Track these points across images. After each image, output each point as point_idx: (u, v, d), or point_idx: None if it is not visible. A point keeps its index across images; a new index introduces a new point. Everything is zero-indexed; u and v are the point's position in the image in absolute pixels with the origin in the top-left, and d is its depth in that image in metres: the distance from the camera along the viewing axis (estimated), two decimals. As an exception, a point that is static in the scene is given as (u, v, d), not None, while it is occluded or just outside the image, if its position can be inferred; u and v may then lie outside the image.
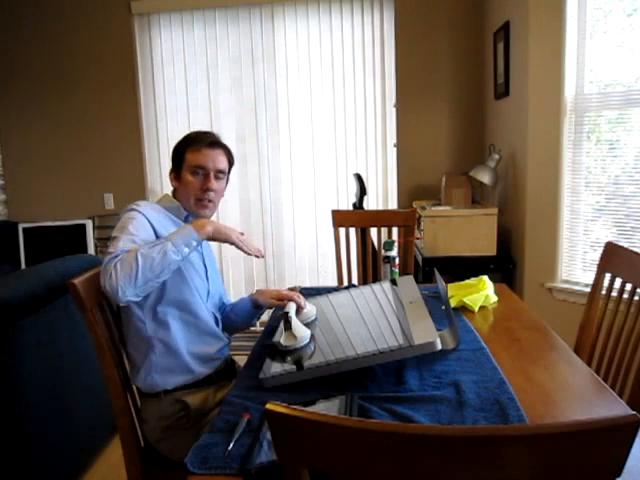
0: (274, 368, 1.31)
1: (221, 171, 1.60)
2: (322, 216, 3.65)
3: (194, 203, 1.58)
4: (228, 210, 3.69)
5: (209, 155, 1.58)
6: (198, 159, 1.57)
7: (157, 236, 1.47)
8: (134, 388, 1.56)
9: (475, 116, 3.46)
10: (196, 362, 1.53)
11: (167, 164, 3.71)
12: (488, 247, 2.74)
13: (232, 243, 1.48)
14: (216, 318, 1.65)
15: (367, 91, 3.54)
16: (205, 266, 1.64)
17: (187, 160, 1.58)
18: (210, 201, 1.58)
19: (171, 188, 1.68)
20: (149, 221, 1.48)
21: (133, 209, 1.49)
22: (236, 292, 3.82)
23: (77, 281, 1.40)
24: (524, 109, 2.62)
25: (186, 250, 1.39)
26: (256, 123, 3.64)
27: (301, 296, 1.61)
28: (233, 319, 1.74)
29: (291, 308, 1.49)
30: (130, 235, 1.40)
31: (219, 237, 1.47)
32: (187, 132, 1.67)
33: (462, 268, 2.69)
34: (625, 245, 1.71)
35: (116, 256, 1.33)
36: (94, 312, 1.46)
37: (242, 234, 1.53)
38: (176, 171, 1.62)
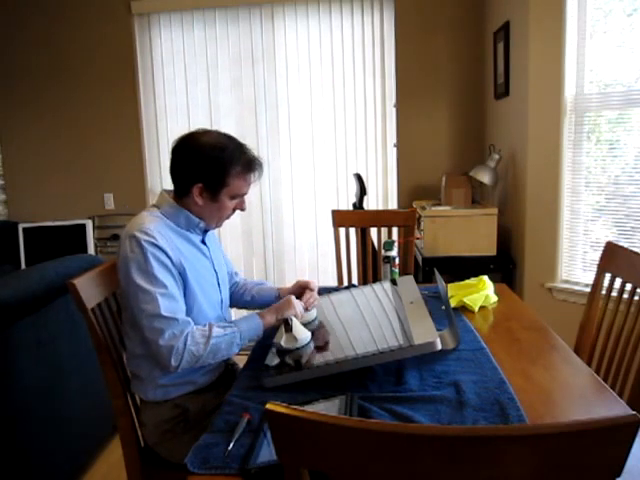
0: (274, 368, 1.31)
1: None
2: (322, 216, 3.64)
3: (221, 221, 1.52)
4: (228, 210, 3.69)
5: (252, 180, 1.49)
6: (244, 189, 1.47)
7: (173, 264, 1.38)
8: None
9: (475, 116, 3.46)
10: (200, 374, 1.50)
11: (167, 164, 3.71)
12: (488, 247, 2.74)
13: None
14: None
15: (367, 91, 3.54)
16: (215, 271, 1.58)
17: (231, 186, 1.43)
18: None
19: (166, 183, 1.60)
20: (167, 254, 1.37)
21: (153, 243, 1.34)
22: (236, 292, 3.82)
23: (77, 281, 1.40)
24: (524, 109, 2.61)
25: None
26: (256, 123, 3.64)
27: (314, 292, 1.64)
28: (250, 301, 1.77)
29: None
30: (164, 289, 1.33)
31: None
32: (219, 136, 1.47)
33: (462, 268, 2.69)
34: (625, 245, 1.71)
35: (179, 333, 1.32)
36: (94, 312, 1.46)
37: (307, 291, 1.58)
38: (210, 189, 1.42)
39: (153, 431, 1.49)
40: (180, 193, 1.47)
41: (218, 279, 1.59)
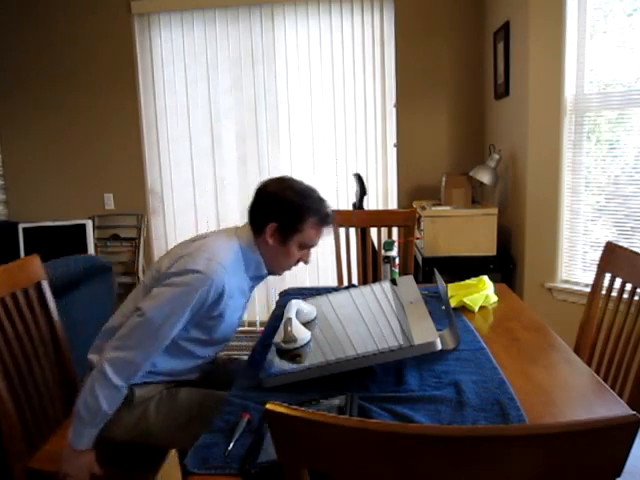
0: (274, 368, 1.31)
1: None
2: (322, 216, 3.64)
3: (285, 269, 1.53)
4: (228, 210, 3.69)
5: (322, 234, 1.51)
6: (315, 241, 1.50)
7: (216, 307, 1.39)
8: None
9: (475, 116, 3.46)
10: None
11: (167, 164, 3.71)
12: (488, 247, 2.74)
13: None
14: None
15: (367, 91, 3.54)
16: (240, 316, 1.59)
17: (304, 234, 1.46)
18: None
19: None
20: (219, 296, 1.38)
21: (211, 284, 1.34)
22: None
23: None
24: (524, 109, 2.62)
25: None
26: (256, 123, 3.64)
27: None
28: None
29: (291, 309, 1.49)
30: (178, 321, 1.34)
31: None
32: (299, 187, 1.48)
33: (462, 268, 2.69)
34: (625, 245, 1.71)
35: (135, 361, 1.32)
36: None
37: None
38: (283, 232, 1.45)
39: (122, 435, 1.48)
40: (256, 229, 1.49)
41: (239, 322, 1.61)
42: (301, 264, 1.56)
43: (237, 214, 3.70)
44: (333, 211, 1.52)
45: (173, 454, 1.71)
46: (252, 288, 1.58)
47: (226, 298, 1.40)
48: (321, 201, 1.49)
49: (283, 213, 1.44)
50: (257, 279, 1.56)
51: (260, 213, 1.48)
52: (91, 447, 1.35)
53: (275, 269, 1.54)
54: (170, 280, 1.36)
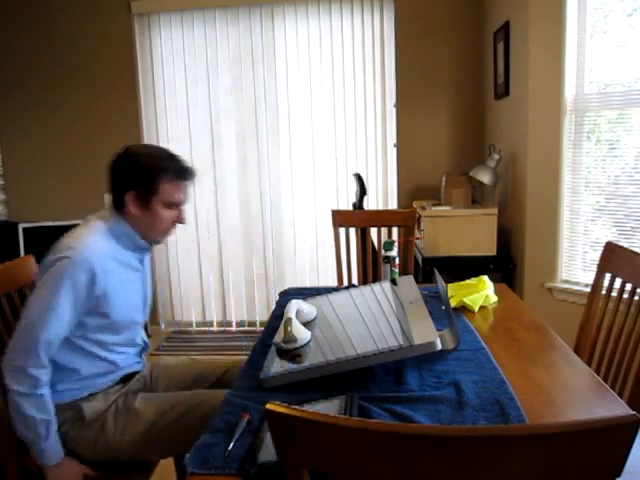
0: (274, 368, 1.31)
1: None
2: (322, 216, 3.65)
3: (161, 235, 1.51)
4: (228, 210, 3.70)
5: (186, 189, 1.49)
6: (178, 196, 1.47)
7: (94, 286, 1.36)
8: None
9: (475, 116, 3.46)
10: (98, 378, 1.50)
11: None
12: (488, 247, 2.74)
13: None
14: (145, 344, 1.64)
15: (367, 91, 3.54)
16: (145, 294, 1.58)
17: (163, 193, 1.44)
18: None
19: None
20: (93, 281, 1.36)
21: (83, 266, 1.33)
22: (236, 293, 3.82)
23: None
24: (524, 109, 2.62)
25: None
26: (256, 123, 3.64)
27: None
28: None
29: (291, 309, 1.49)
30: (54, 313, 1.31)
31: None
32: (156, 147, 1.50)
33: (462, 268, 2.69)
34: (625, 245, 1.71)
35: (28, 366, 1.30)
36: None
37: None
38: (143, 197, 1.44)
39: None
40: (117, 205, 1.47)
41: (145, 301, 1.59)
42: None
43: (237, 214, 3.71)
44: (189, 165, 1.49)
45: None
46: (142, 262, 1.55)
47: (101, 273, 1.37)
48: (171, 157, 1.47)
49: (135, 179, 1.43)
50: (140, 251, 1.52)
51: (115, 187, 1.46)
52: (63, 455, 1.35)
53: (152, 236, 1.50)
54: (42, 279, 1.35)
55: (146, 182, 1.43)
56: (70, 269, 1.33)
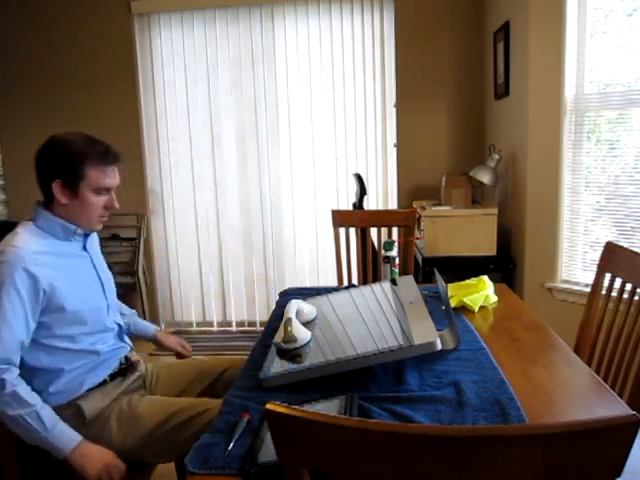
0: (274, 368, 1.31)
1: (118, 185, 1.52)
2: (322, 216, 3.65)
3: (94, 221, 1.49)
4: (228, 210, 3.69)
5: (113, 173, 1.46)
6: (104, 181, 1.44)
7: (37, 282, 1.34)
8: None
9: (475, 116, 3.46)
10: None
11: (167, 164, 3.72)
12: (488, 247, 2.74)
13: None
14: (120, 326, 1.61)
15: (367, 91, 3.54)
16: (99, 277, 1.56)
17: (89, 179, 1.42)
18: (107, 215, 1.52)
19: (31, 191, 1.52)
20: (33, 277, 1.34)
21: (18, 266, 1.32)
22: (236, 293, 3.82)
23: None
24: (524, 109, 2.62)
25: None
26: (256, 123, 3.64)
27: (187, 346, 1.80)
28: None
29: (291, 309, 1.49)
30: (6, 322, 1.30)
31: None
32: (82, 135, 1.50)
33: (462, 268, 2.69)
34: (625, 245, 1.71)
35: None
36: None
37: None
38: (69, 185, 1.41)
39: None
40: (47, 199, 1.47)
41: (103, 285, 1.57)
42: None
43: (237, 214, 3.71)
44: (112, 149, 1.47)
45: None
46: (85, 247, 1.54)
47: (38, 268, 1.36)
48: (91, 142, 1.46)
49: (58, 167, 1.41)
50: (78, 238, 1.50)
51: (41, 179, 1.45)
52: (78, 440, 1.34)
53: (85, 224, 1.48)
54: None
55: (70, 169, 1.41)
56: (7, 271, 1.32)
